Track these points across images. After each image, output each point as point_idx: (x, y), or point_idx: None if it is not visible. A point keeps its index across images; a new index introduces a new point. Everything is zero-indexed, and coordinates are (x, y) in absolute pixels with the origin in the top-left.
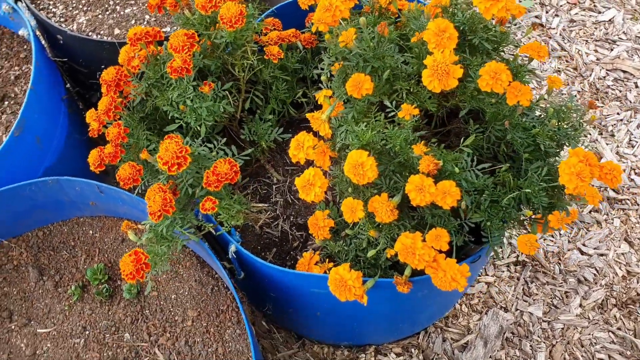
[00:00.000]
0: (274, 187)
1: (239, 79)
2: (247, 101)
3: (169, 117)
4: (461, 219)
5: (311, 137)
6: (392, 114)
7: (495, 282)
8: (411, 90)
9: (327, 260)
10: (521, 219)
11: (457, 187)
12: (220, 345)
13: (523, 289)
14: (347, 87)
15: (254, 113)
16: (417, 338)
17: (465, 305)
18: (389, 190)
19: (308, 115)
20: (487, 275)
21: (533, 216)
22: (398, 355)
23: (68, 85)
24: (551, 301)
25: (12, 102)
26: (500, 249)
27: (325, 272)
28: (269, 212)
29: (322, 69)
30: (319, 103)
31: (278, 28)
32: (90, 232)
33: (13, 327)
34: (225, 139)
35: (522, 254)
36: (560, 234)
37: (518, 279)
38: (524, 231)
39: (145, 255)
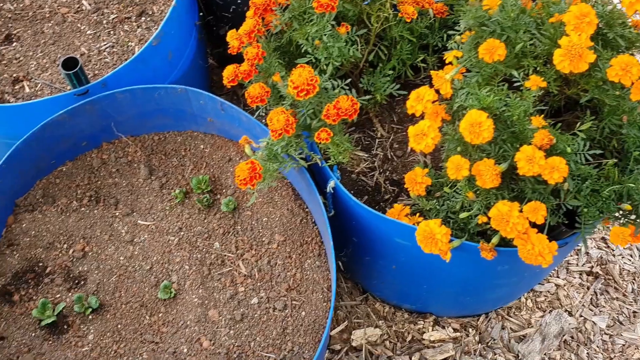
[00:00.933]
0: (376, 140)
1: (369, 30)
2: (372, 54)
3: (301, 52)
4: (560, 199)
5: (432, 91)
6: (514, 86)
7: (565, 285)
8: (537, 69)
9: (417, 214)
10: (616, 215)
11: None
12: (299, 272)
13: (591, 299)
14: (480, 50)
15: (374, 67)
16: (477, 320)
17: (531, 300)
18: (497, 158)
19: (432, 73)
20: (558, 277)
21: (630, 216)
22: (455, 330)
23: (201, 14)
24: (617, 316)
25: (148, 19)
26: (584, 250)
27: (414, 224)
28: (367, 162)
29: (458, 31)
30: (446, 62)
31: None
32: (201, 146)
33: (117, 214)
34: (349, 79)
35: (596, 265)
36: None
37: (588, 288)
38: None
39: (259, 166)
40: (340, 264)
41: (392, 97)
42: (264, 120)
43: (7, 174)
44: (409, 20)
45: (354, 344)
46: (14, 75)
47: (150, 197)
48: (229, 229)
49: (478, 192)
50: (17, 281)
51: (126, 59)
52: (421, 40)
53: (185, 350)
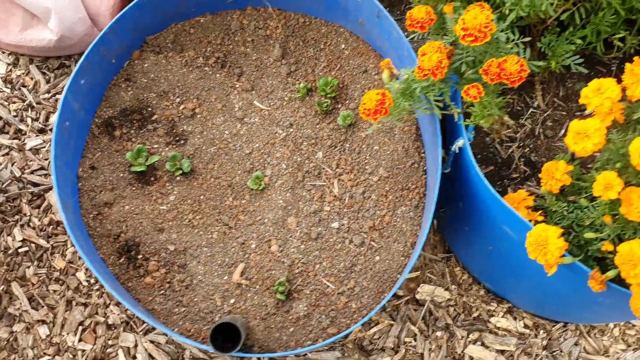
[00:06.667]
0: (530, 109)
1: None
2: (567, 13)
3: None
4: None
5: (618, 88)
6: None
7: None
8: None
9: (539, 212)
10: None
11: None
12: (389, 215)
13: None
14: None
15: (562, 27)
16: (553, 325)
17: (620, 330)
18: None
19: (627, 67)
20: None
21: None
22: (526, 327)
23: None
24: None
25: None
26: None
27: (530, 222)
28: (510, 130)
29: None
30: None
31: None
32: (343, 46)
33: (237, 86)
34: (528, 39)
35: None
36: None
37: None
38: None
39: (390, 100)
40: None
41: (567, 68)
42: (415, 45)
43: (146, 8)
44: None
45: (417, 297)
46: None
47: (274, 80)
48: (337, 143)
49: (617, 217)
50: (123, 117)
51: None
52: (630, 14)
53: (253, 245)
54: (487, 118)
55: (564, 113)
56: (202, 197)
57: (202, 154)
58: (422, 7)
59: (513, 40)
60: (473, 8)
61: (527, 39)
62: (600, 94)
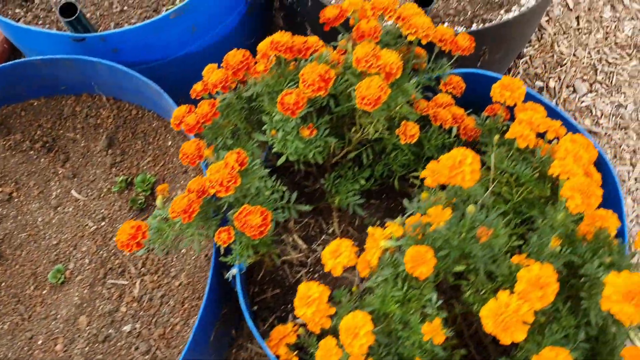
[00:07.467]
0: (324, 235)
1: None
2: (354, 152)
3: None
4: None
5: (352, 253)
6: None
7: None
8: (467, 302)
9: (297, 350)
10: None
11: None
12: (181, 324)
13: None
14: (406, 257)
15: (357, 162)
16: None
17: None
18: (378, 358)
19: (370, 230)
20: None
21: None
22: None
23: None
24: None
25: None
26: None
27: None
28: (302, 254)
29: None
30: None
31: (457, 91)
32: (170, 142)
33: (60, 172)
34: (284, 186)
35: None
36: None
37: None
38: None
39: (144, 234)
40: None
41: (367, 196)
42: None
43: None
44: (403, 143)
45: None
46: None
47: (97, 169)
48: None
49: None
50: None
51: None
52: (427, 154)
53: (39, 342)
54: (243, 258)
55: (357, 243)
56: (3, 283)
57: (12, 239)
58: (193, 143)
59: (275, 186)
60: (230, 155)
61: (284, 188)
62: (334, 257)
